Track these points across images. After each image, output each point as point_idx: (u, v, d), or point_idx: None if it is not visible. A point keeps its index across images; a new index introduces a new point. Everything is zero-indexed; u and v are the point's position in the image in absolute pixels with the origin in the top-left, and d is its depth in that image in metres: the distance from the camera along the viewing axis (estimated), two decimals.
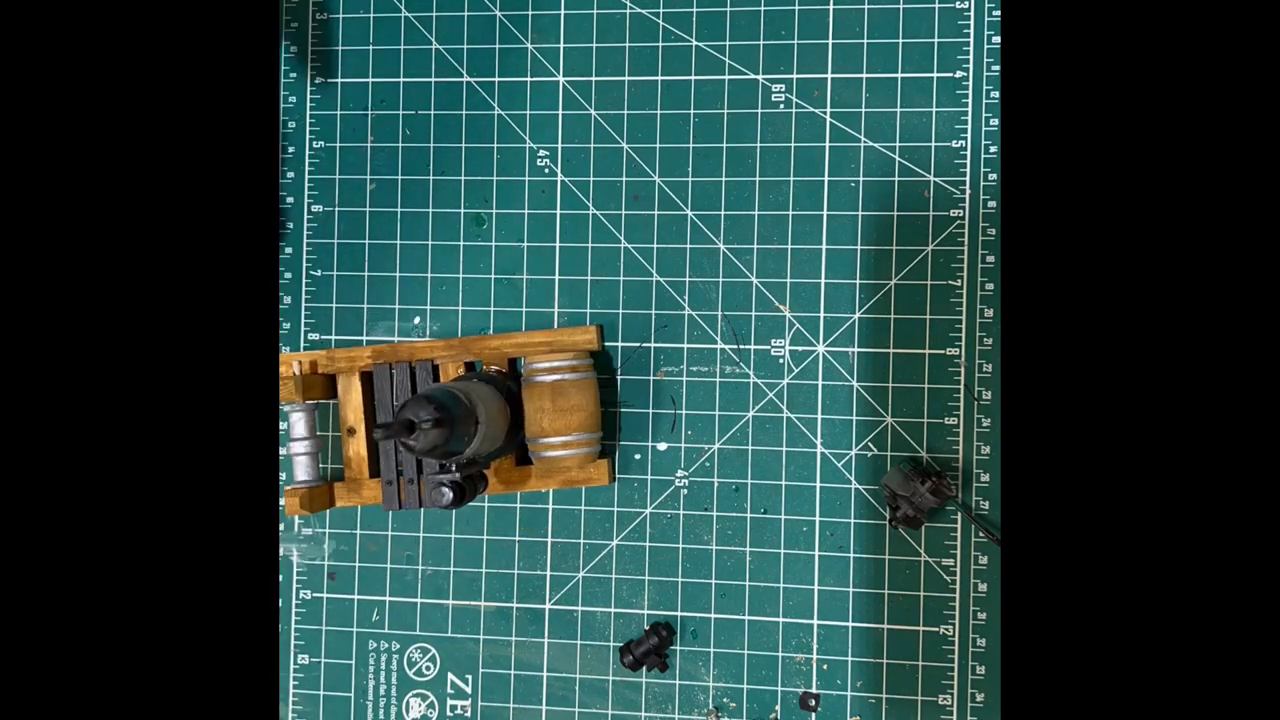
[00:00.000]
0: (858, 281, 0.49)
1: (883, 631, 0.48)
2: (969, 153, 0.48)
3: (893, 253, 0.48)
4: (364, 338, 0.52)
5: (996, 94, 0.48)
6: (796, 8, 0.49)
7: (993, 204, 0.48)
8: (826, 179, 0.49)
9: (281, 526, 0.52)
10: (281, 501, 0.52)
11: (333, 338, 0.52)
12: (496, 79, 0.51)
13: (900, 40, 0.48)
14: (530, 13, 0.51)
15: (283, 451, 0.52)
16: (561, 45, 0.51)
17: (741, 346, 0.49)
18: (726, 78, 0.49)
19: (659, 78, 0.50)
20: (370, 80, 0.52)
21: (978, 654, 0.48)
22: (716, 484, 0.49)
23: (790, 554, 0.49)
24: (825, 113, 0.49)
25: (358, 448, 0.49)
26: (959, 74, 0.48)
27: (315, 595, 0.52)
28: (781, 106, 0.49)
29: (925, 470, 0.46)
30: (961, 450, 0.48)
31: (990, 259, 0.48)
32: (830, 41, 0.49)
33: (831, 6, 0.49)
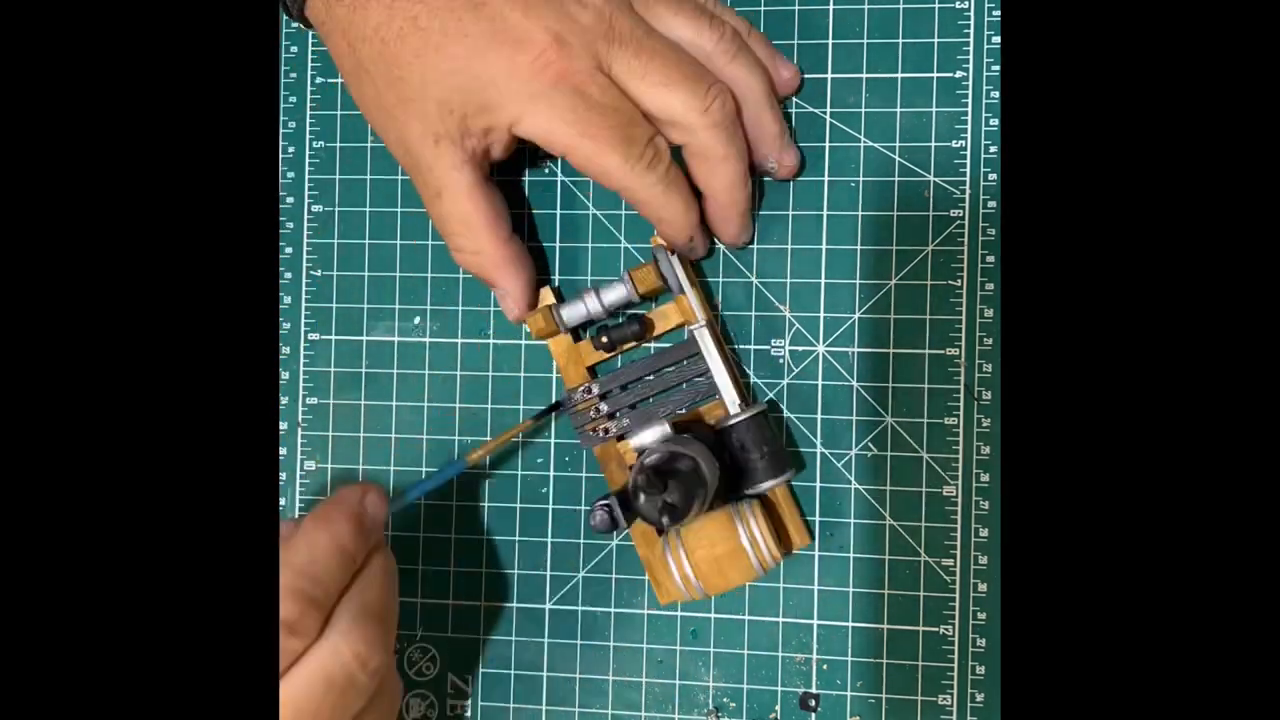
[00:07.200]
0: (858, 281, 0.49)
1: (883, 631, 0.48)
2: (969, 153, 0.48)
3: (893, 253, 0.48)
4: (364, 338, 0.52)
5: (996, 94, 0.47)
6: (796, 8, 0.49)
7: (993, 204, 0.48)
8: (826, 179, 0.49)
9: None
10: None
11: (333, 338, 0.52)
12: None
13: (900, 40, 0.48)
14: None
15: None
16: None
17: (741, 346, 0.49)
18: None
19: None
20: None
21: (978, 654, 0.47)
22: None
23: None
24: (825, 113, 0.49)
25: None
26: (959, 74, 0.48)
27: None
28: (781, 106, 0.49)
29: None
30: (961, 450, 0.48)
31: (990, 259, 0.48)
32: (830, 41, 0.49)
33: (831, 6, 0.49)
